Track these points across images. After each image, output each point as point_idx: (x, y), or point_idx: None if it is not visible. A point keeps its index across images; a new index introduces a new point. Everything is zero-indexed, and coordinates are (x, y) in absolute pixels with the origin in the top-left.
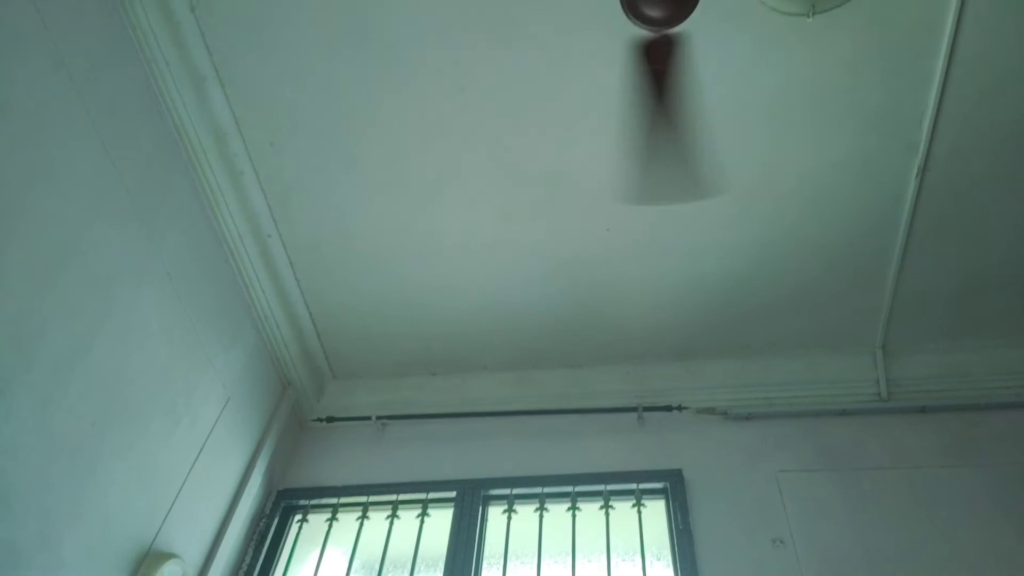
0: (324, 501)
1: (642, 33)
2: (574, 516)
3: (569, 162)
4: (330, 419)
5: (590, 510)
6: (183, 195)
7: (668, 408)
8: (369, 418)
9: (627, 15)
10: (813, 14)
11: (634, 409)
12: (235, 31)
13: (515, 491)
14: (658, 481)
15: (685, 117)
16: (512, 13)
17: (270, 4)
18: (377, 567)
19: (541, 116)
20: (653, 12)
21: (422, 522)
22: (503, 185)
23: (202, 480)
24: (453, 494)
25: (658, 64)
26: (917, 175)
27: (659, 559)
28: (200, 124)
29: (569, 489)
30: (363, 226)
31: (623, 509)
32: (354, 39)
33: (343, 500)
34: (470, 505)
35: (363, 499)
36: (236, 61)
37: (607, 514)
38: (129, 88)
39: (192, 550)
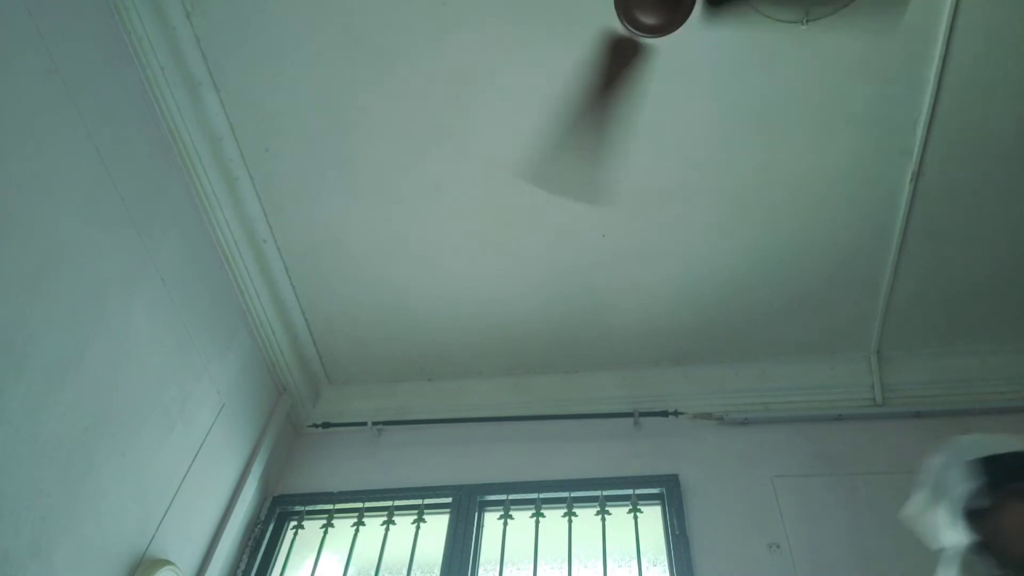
0: (319, 507)
1: (623, 36)
2: (570, 522)
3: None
4: (325, 425)
5: (586, 516)
6: (177, 201)
7: (664, 413)
8: (365, 424)
9: (622, 22)
10: (807, 21)
11: (630, 414)
12: (230, 37)
13: (511, 497)
14: (654, 486)
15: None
16: (506, 20)
17: (265, 11)
18: (372, 573)
19: (536, 123)
20: (648, 19)
21: (418, 528)
22: (498, 191)
23: (197, 486)
24: (449, 500)
25: (619, 65)
26: (911, 180)
27: (655, 564)
28: (195, 130)
29: (565, 495)
30: (358, 232)
31: (619, 515)
32: (349, 46)
33: (338, 506)
34: (466, 511)
35: (358, 505)
36: (231, 67)
37: (603, 520)
38: (123, 94)
39: (187, 557)
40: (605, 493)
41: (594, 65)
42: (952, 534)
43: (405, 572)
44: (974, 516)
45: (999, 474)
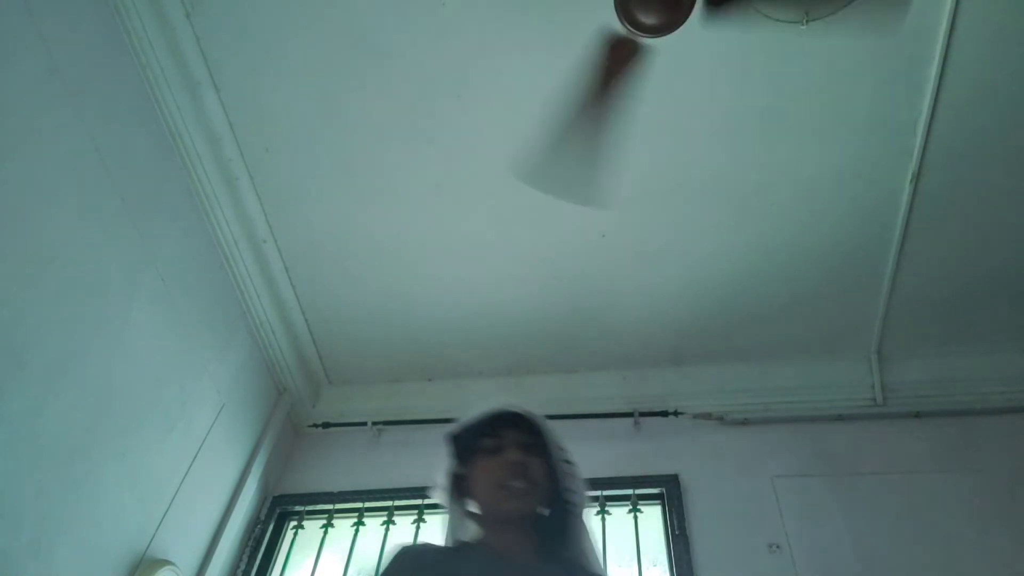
0: (319, 507)
1: (624, 36)
2: None
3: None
4: (325, 425)
5: (586, 516)
6: (177, 201)
7: (664, 413)
8: (365, 424)
9: (621, 22)
10: (807, 21)
11: (630, 414)
12: (230, 37)
13: None
14: (654, 487)
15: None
16: (506, 20)
17: (265, 10)
18: (372, 573)
19: (536, 123)
20: (648, 19)
21: (418, 528)
22: (498, 191)
23: (197, 486)
24: None
25: (618, 65)
26: (911, 180)
27: (655, 565)
28: (195, 129)
29: None
30: (359, 231)
31: (619, 515)
32: (349, 46)
33: (338, 506)
34: None
35: (358, 505)
36: (231, 66)
37: (603, 520)
38: (123, 94)
39: (187, 557)
40: (605, 493)
41: (593, 65)
42: (453, 507)
43: None
44: (458, 484)
45: (468, 441)
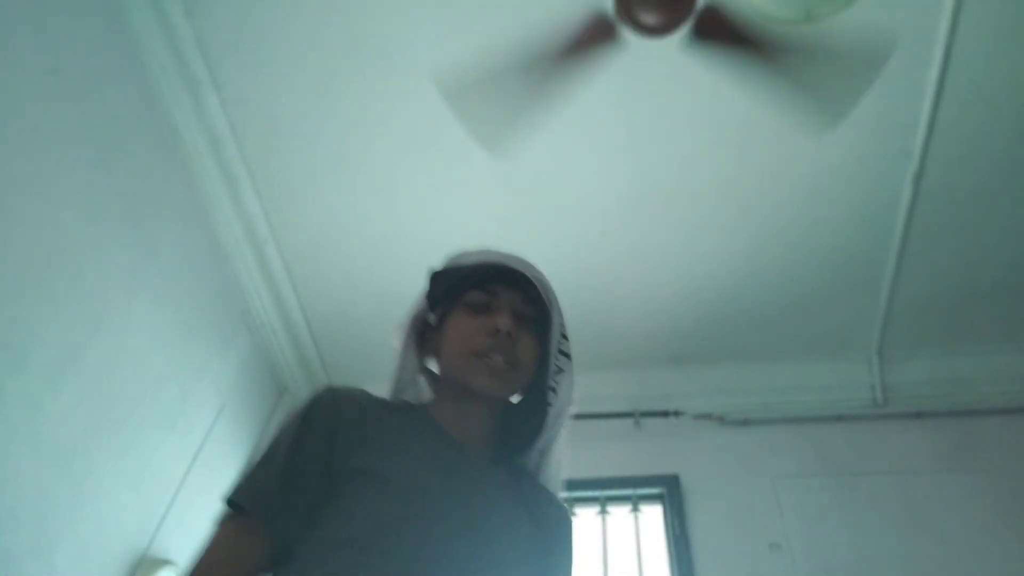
0: None
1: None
2: None
3: (563, 168)
4: None
5: (587, 516)
6: (178, 200)
7: (665, 414)
8: None
9: (621, 21)
10: (808, 21)
11: (631, 415)
12: (230, 37)
13: None
14: (655, 487)
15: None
16: (504, 22)
17: (265, 10)
18: None
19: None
20: (648, 19)
21: None
22: (498, 191)
23: (197, 486)
24: None
25: (589, 40)
26: (912, 181)
27: (656, 564)
28: (196, 130)
29: (565, 495)
30: (359, 231)
31: (620, 515)
32: (349, 46)
33: None
34: None
35: None
36: (231, 67)
37: (604, 520)
38: (125, 94)
39: (187, 557)
40: (605, 493)
41: (566, 31)
42: (408, 358)
43: None
44: (423, 333)
45: (452, 286)
